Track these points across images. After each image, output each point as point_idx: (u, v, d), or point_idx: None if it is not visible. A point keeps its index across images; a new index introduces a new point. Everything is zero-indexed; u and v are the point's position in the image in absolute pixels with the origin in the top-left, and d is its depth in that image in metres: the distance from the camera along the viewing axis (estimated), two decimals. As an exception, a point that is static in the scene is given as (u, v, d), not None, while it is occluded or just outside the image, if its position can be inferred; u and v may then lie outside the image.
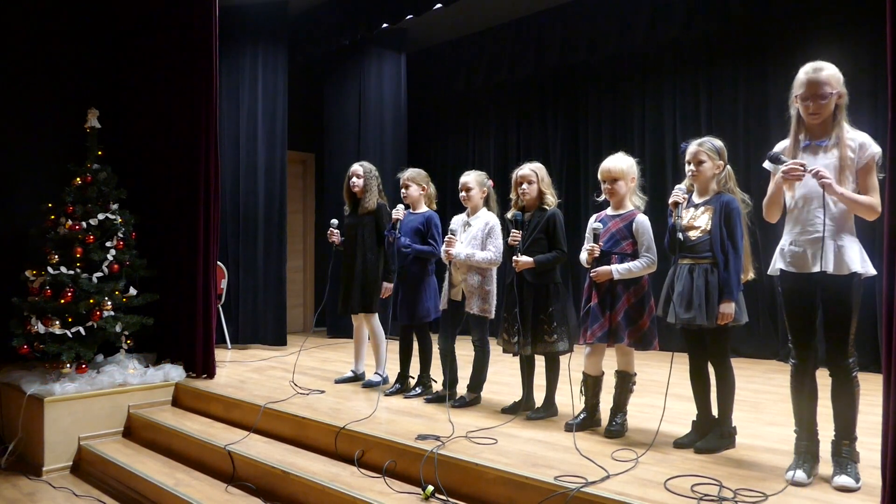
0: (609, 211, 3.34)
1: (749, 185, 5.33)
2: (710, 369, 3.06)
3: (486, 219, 3.91)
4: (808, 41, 5.13)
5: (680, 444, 3.03)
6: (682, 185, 3.00)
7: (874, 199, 2.45)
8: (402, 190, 4.28)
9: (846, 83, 2.52)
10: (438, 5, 5.83)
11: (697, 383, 3.07)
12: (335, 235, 4.54)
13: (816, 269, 2.49)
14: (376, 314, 4.54)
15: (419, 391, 4.17)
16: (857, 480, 2.46)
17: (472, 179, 3.96)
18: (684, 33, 5.95)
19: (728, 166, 3.02)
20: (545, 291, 3.56)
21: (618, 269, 3.17)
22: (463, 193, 3.97)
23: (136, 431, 4.59)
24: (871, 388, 2.79)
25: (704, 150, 2.96)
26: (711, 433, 3.01)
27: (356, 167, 4.55)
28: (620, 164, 3.25)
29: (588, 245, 3.24)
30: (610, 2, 6.28)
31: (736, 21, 5.64)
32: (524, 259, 3.53)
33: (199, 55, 5.05)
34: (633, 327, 3.17)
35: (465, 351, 4.05)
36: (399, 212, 4.17)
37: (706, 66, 6.02)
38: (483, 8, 6.69)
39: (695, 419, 3.09)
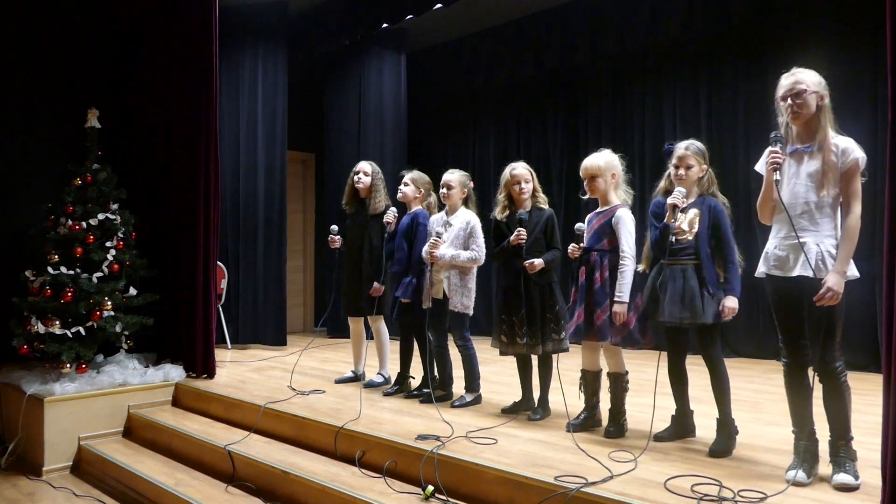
0: (597, 209, 3.41)
1: (749, 185, 5.34)
2: (690, 367, 3.15)
3: (467, 218, 3.92)
4: (808, 41, 5.12)
5: (660, 437, 3.12)
6: (684, 189, 3.01)
7: (853, 213, 2.46)
8: (401, 186, 4.27)
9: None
10: (438, 5, 5.82)
11: (676, 380, 3.18)
12: (337, 242, 4.49)
13: (798, 272, 2.51)
14: (382, 315, 4.54)
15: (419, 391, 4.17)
16: (857, 478, 2.47)
17: (455, 179, 3.97)
18: (684, 33, 5.95)
19: (710, 169, 3.08)
20: (549, 291, 3.58)
21: (621, 297, 3.16)
22: (444, 190, 3.98)
23: (136, 431, 4.59)
24: (871, 388, 2.79)
25: (691, 153, 3.03)
26: (720, 435, 3.02)
27: (364, 164, 4.53)
28: (597, 161, 3.30)
29: (570, 246, 3.33)
30: (610, 2, 6.27)
31: (736, 21, 5.64)
32: (538, 261, 3.53)
33: (199, 55, 5.05)
34: (619, 325, 3.19)
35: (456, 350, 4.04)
36: (390, 215, 4.24)
37: (706, 66, 6.02)
38: (483, 8, 6.69)
39: (674, 413, 3.20)
